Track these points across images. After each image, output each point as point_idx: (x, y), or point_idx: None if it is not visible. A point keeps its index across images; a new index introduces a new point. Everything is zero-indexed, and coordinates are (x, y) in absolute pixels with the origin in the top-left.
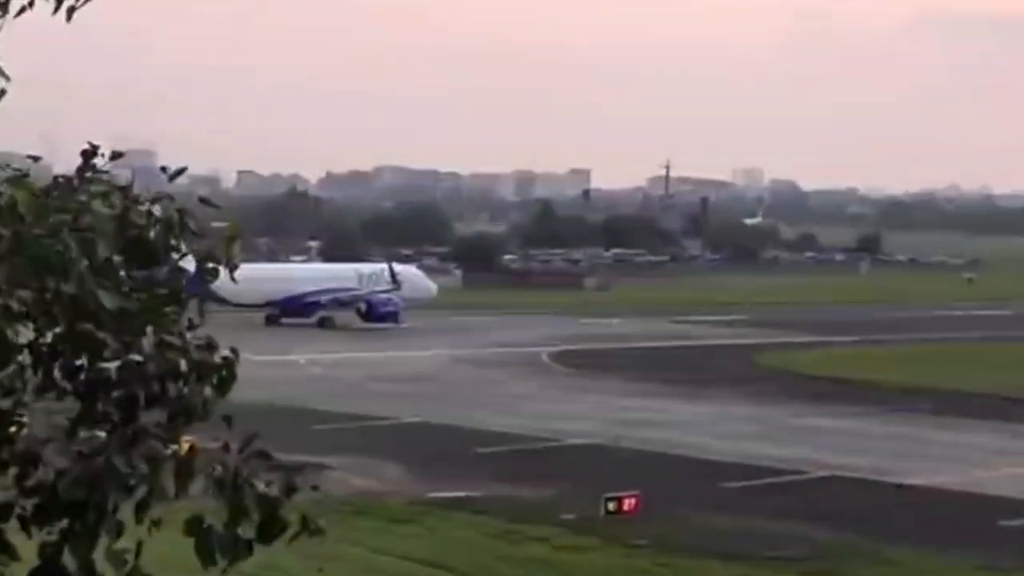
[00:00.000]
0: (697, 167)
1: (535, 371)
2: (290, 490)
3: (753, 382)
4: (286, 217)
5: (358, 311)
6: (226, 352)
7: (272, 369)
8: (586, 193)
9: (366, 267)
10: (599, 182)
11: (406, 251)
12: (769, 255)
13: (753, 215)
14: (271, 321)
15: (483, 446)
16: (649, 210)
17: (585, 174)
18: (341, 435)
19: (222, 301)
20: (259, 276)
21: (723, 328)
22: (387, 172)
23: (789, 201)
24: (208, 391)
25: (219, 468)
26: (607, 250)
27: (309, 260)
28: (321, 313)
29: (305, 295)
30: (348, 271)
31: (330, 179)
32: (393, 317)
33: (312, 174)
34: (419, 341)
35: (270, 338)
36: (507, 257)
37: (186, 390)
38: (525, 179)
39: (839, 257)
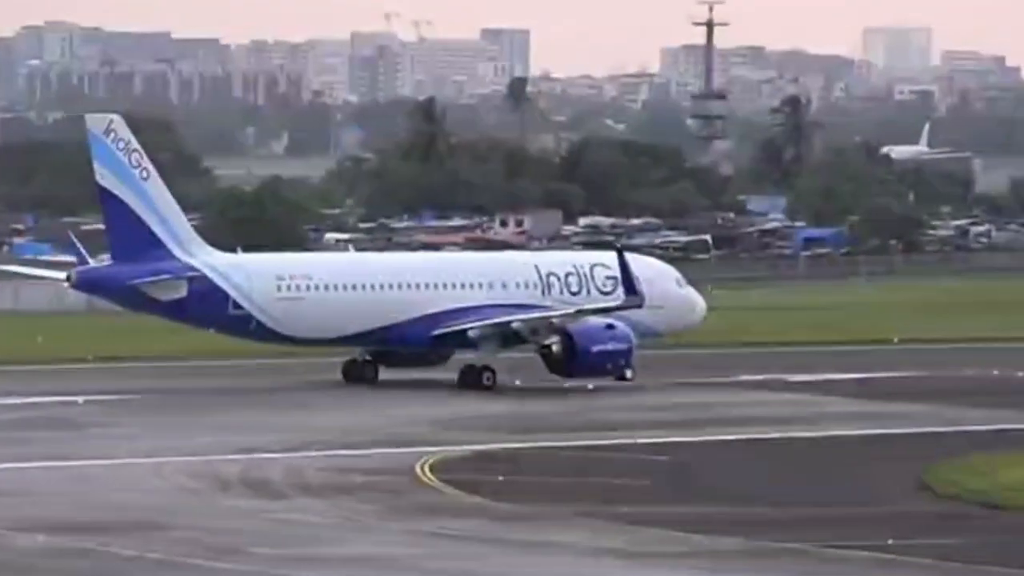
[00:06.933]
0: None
1: (400, 503)
2: None
3: (922, 529)
4: None
5: (543, 351)
6: None
7: None
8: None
9: (558, 259)
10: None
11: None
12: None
13: None
14: (355, 374)
15: None
16: None
17: None
18: None
19: (267, 335)
20: (329, 278)
21: (840, 398)
22: (47, 42)
23: None
24: None
25: None
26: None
27: None
28: (470, 356)
29: (432, 320)
30: (520, 264)
31: None
32: (617, 362)
33: None
34: (140, 435)
35: None
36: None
37: None
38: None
39: None
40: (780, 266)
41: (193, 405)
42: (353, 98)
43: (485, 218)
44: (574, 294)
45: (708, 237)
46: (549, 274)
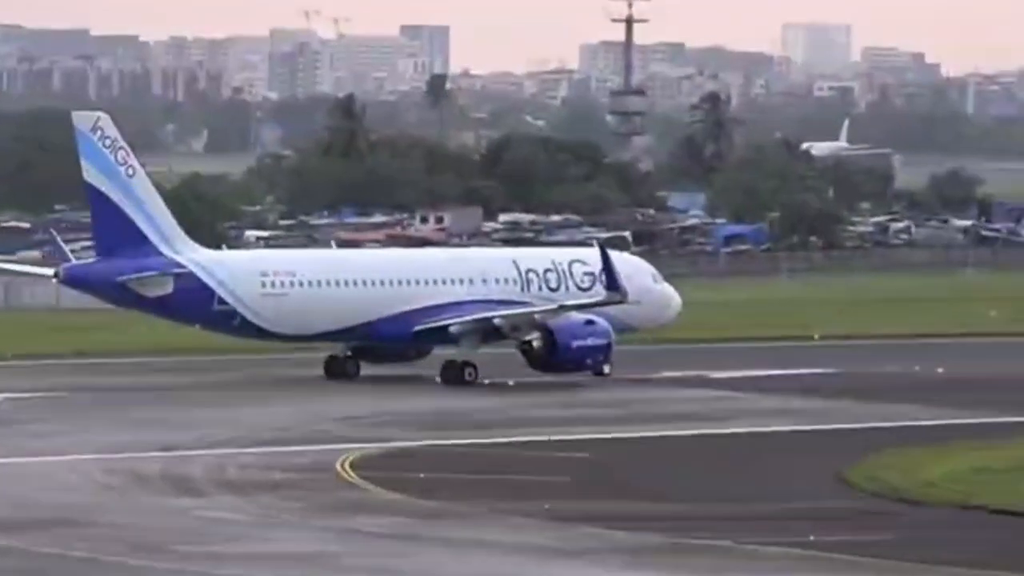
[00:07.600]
0: None
1: (322, 500)
2: None
3: (843, 525)
4: None
5: (523, 347)
6: None
7: None
8: None
9: (536, 255)
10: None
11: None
12: None
13: None
14: (336, 370)
15: None
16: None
17: None
18: None
19: (251, 331)
20: (312, 274)
21: (760, 394)
22: None
23: None
24: None
25: None
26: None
27: None
28: (451, 352)
29: (413, 316)
30: (499, 261)
31: None
32: (596, 358)
33: None
34: (62, 432)
35: None
36: None
37: None
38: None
39: None
40: (700, 263)
41: (116, 402)
42: (273, 95)
43: (405, 215)
44: (553, 290)
45: (627, 234)
46: (528, 270)
